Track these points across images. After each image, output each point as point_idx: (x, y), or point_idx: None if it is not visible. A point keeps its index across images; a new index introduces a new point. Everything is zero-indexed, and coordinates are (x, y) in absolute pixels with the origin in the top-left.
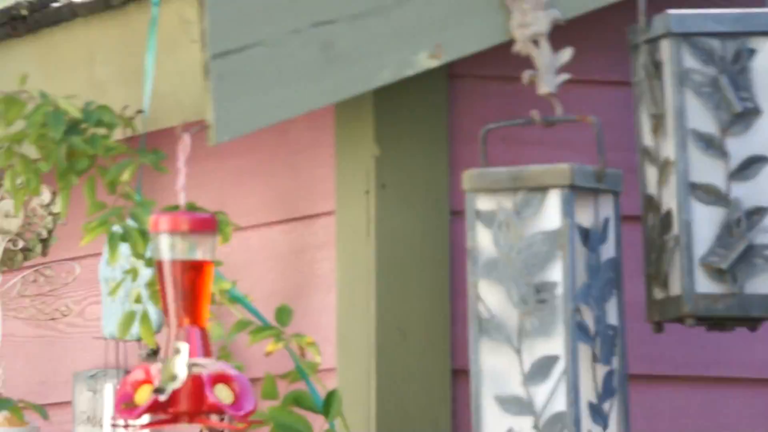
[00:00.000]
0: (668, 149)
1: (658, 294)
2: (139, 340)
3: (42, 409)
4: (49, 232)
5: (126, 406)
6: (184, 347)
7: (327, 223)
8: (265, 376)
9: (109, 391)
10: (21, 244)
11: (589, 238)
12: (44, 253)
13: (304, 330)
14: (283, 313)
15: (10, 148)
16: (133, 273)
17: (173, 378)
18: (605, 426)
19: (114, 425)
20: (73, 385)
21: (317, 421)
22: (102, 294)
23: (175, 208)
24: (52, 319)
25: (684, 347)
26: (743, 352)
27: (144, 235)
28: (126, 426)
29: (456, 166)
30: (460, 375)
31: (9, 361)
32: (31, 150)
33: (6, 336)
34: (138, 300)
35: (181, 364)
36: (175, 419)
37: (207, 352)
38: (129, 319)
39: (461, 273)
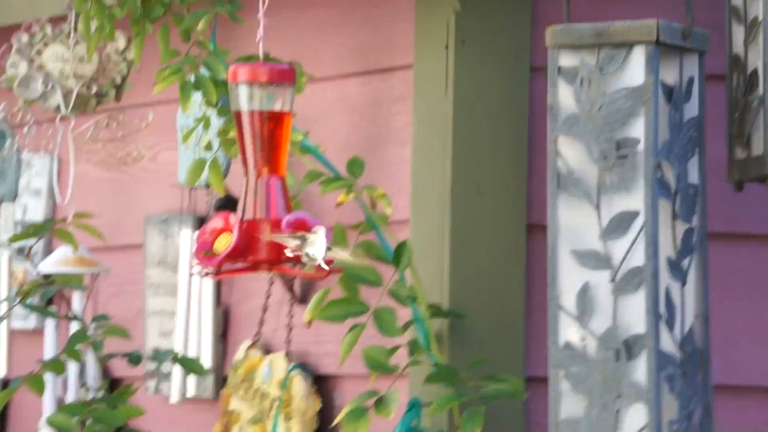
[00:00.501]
0: (757, 8)
1: (740, 153)
2: (208, 186)
3: (93, 230)
4: (123, 78)
5: (205, 254)
6: (321, 230)
7: (405, 76)
8: (335, 225)
9: (185, 237)
10: (95, 89)
11: (673, 95)
12: (117, 99)
13: (378, 182)
14: (355, 165)
15: None
16: (205, 121)
17: (313, 260)
18: (683, 282)
19: (193, 272)
20: (144, 228)
21: (387, 272)
22: (178, 141)
23: (252, 58)
24: (124, 163)
25: (764, 206)
26: None
27: (216, 83)
28: (205, 273)
29: (538, 22)
30: (535, 230)
31: (80, 203)
32: None
33: (78, 179)
34: (208, 147)
35: (319, 248)
36: (253, 267)
37: (287, 202)
38: (199, 166)
39: (540, 130)
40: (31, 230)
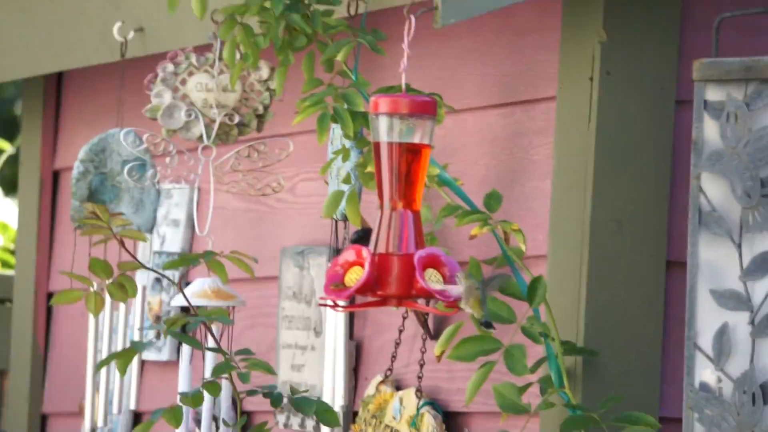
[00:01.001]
0: None
1: None
2: (345, 219)
3: (248, 262)
4: (266, 107)
5: (335, 286)
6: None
7: (547, 108)
8: (470, 260)
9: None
10: (237, 119)
11: None
12: (259, 129)
13: (516, 216)
14: (493, 199)
15: (233, 19)
16: (344, 153)
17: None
18: None
19: (323, 305)
20: (280, 260)
21: (521, 309)
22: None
23: (394, 89)
24: (263, 194)
25: None
26: None
27: (355, 116)
28: (334, 306)
29: (685, 54)
30: (674, 267)
31: (218, 234)
32: (253, 23)
33: (217, 209)
34: (347, 180)
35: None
36: (383, 302)
37: (419, 236)
38: (336, 198)
39: (683, 165)
40: (185, 259)
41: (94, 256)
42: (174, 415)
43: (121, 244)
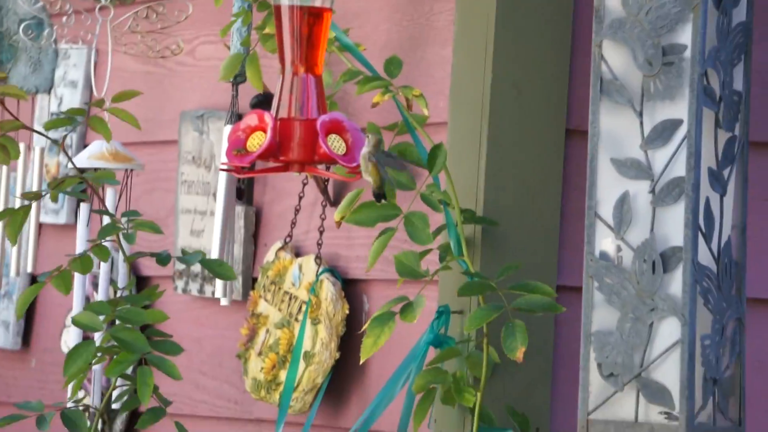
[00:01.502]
0: None
1: None
2: (243, 82)
3: (129, 116)
4: None
5: (238, 151)
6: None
7: None
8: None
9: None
10: None
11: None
12: None
13: (417, 83)
14: (393, 64)
15: None
16: (244, 15)
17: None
18: (723, 193)
19: (224, 170)
20: (179, 123)
21: (421, 176)
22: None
23: None
24: (162, 57)
25: None
26: None
27: None
28: (237, 170)
29: None
30: (574, 135)
31: None
32: None
33: (115, 71)
34: (247, 42)
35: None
36: (286, 167)
37: (321, 101)
38: (235, 61)
39: (584, 32)
40: (67, 117)
41: None
42: (62, 279)
43: (1, 103)
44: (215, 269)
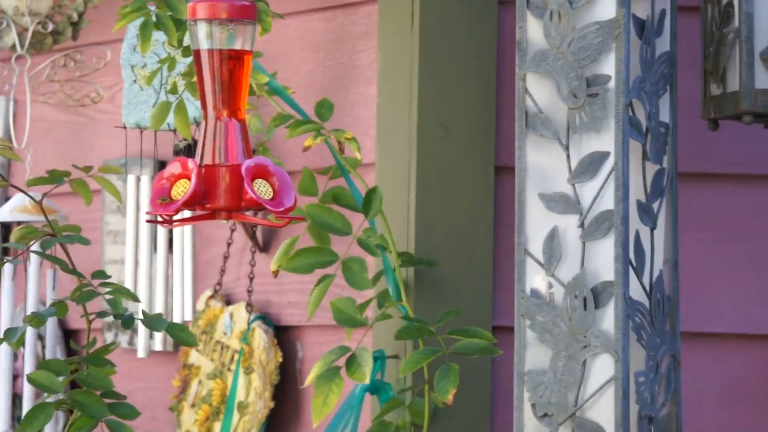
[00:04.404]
0: None
1: (715, 90)
2: (174, 131)
3: (111, 185)
4: (80, 15)
5: (162, 200)
6: None
7: (369, 11)
8: (303, 170)
9: (131, 182)
10: (51, 26)
11: (645, 29)
12: (74, 37)
13: (342, 124)
14: (324, 107)
15: None
16: (170, 62)
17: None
18: (653, 226)
19: (150, 220)
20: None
21: (356, 219)
22: (125, 81)
23: None
24: (82, 105)
25: (739, 145)
26: None
27: (179, 23)
28: (162, 221)
29: None
30: (503, 172)
31: (37, 146)
32: None
33: (34, 120)
34: (174, 90)
35: None
36: (212, 215)
37: (246, 146)
38: (164, 109)
39: (509, 66)
40: (53, 177)
41: None
42: (12, 335)
43: None
44: (178, 335)
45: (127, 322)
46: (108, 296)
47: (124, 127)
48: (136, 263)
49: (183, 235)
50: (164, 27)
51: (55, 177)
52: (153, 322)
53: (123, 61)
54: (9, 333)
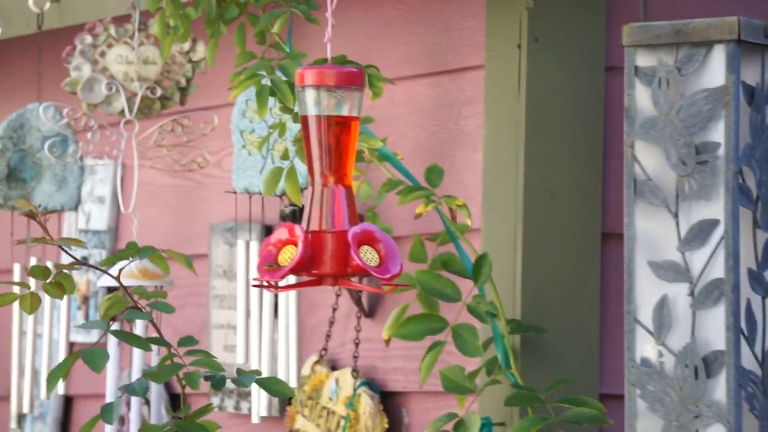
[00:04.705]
0: None
1: None
2: (281, 196)
3: (187, 258)
4: (188, 80)
5: (269, 266)
6: None
7: (476, 77)
8: (414, 237)
9: (241, 247)
10: (159, 92)
11: (755, 96)
12: (182, 102)
13: (448, 189)
14: (434, 173)
15: None
16: (281, 128)
17: None
18: (765, 294)
19: (257, 286)
20: (209, 237)
21: (466, 286)
22: (235, 146)
23: (324, 61)
24: (189, 170)
25: None
26: None
27: (293, 88)
28: (269, 286)
29: (613, 19)
30: (611, 239)
31: (145, 211)
32: None
33: (142, 185)
34: (285, 156)
35: None
36: (318, 281)
37: (353, 212)
38: (276, 175)
39: (616, 133)
40: (132, 250)
41: (34, 265)
42: (109, 411)
43: (36, 220)
44: (271, 387)
45: (218, 384)
46: (190, 368)
47: (234, 192)
48: (247, 328)
49: (288, 300)
50: (280, 92)
51: (127, 253)
52: (243, 378)
53: (233, 127)
54: (105, 412)
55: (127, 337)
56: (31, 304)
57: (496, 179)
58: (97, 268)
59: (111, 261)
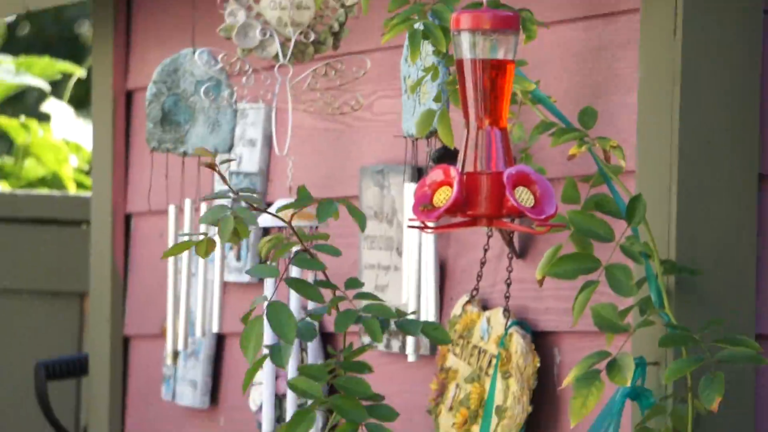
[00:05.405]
0: None
1: None
2: (428, 137)
3: (361, 215)
4: (341, 25)
5: (424, 207)
6: None
7: (630, 20)
8: (567, 179)
9: (407, 189)
10: (312, 37)
11: None
12: (335, 47)
13: (601, 132)
14: (587, 115)
15: None
16: (434, 71)
17: None
18: None
19: (412, 226)
20: (359, 179)
21: (619, 228)
22: (402, 91)
23: (478, 5)
24: (341, 113)
25: None
26: None
27: (446, 32)
28: (424, 227)
29: None
30: (767, 180)
31: (296, 153)
32: None
33: (294, 129)
34: (438, 99)
35: None
36: (473, 222)
37: (507, 154)
38: (428, 117)
39: None
40: (306, 200)
41: (209, 209)
42: (278, 353)
43: (211, 167)
44: (431, 333)
45: (382, 329)
46: (364, 314)
47: (403, 137)
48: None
49: (423, 240)
50: (433, 36)
51: (301, 201)
52: (408, 325)
53: (402, 74)
54: (275, 354)
55: (299, 287)
56: (207, 248)
57: (651, 122)
58: (273, 215)
59: (284, 208)
